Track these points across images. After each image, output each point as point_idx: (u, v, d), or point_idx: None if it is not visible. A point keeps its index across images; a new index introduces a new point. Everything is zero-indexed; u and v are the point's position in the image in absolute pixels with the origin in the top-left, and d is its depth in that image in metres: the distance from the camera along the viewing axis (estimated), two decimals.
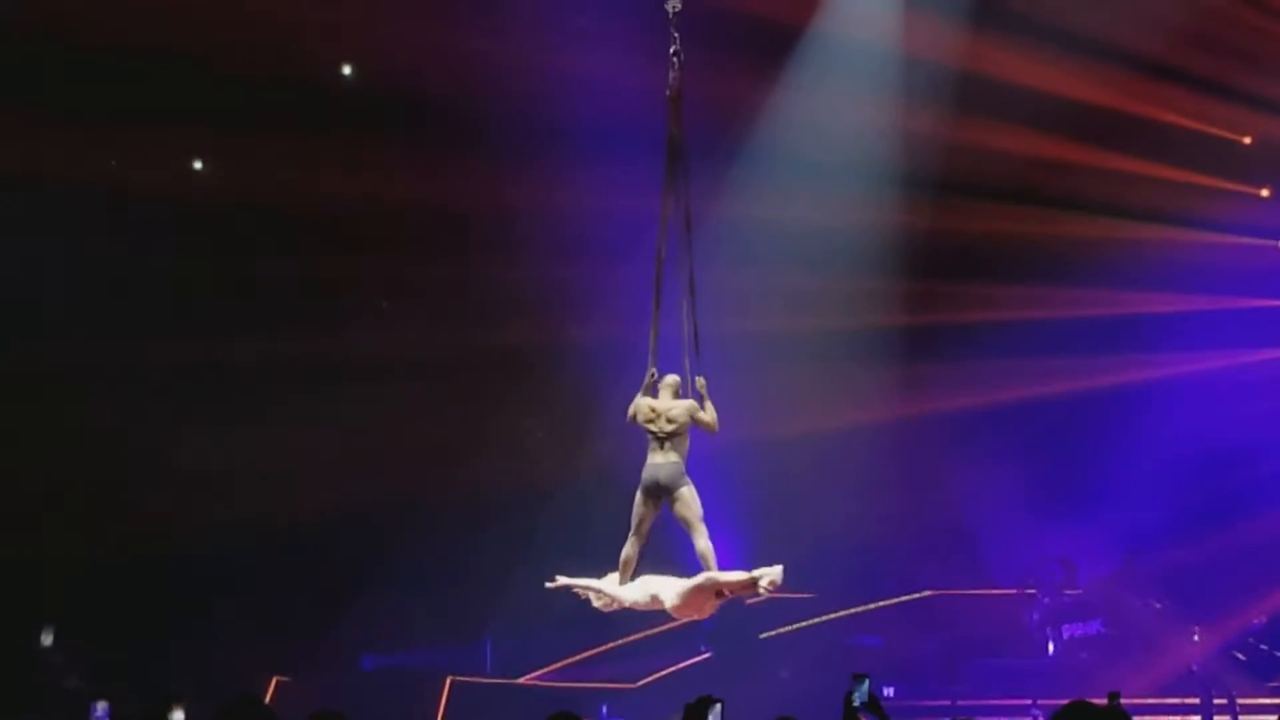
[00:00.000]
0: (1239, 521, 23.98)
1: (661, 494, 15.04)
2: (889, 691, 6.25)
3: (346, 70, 22.89)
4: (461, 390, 23.50)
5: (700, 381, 15.50)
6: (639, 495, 15.18)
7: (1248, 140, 24.66)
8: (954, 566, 24.99)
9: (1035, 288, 24.43)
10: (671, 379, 15.46)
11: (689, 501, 15.07)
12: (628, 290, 18.48)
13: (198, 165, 23.13)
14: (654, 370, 15.44)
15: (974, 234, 23.86)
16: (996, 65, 22.38)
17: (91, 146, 21.42)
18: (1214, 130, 24.13)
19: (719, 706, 7.23)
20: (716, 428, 15.30)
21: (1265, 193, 25.07)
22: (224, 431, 22.47)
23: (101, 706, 11.72)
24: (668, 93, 15.70)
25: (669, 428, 15.33)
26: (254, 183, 22.02)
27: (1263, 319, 24.78)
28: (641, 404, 15.24)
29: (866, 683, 7.25)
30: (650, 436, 15.27)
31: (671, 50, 15.70)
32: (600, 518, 19.42)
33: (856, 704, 7.18)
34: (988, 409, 24.37)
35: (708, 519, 15.52)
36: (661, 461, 15.17)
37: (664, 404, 15.24)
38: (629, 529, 15.01)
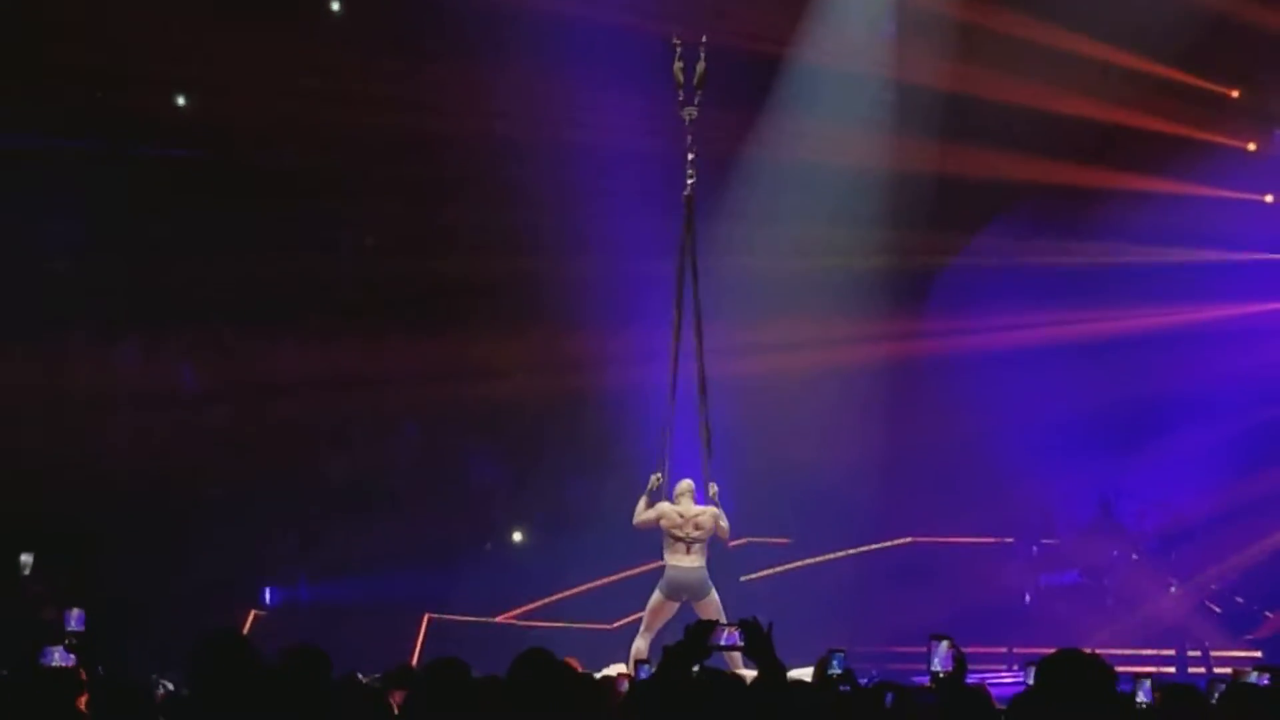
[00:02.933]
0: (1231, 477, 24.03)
1: (685, 597, 15.35)
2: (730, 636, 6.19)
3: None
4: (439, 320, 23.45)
5: (714, 489, 15.78)
6: (659, 596, 15.52)
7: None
8: (935, 513, 24.97)
9: (1026, 232, 24.40)
10: (687, 484, 15.85)
11: (713, 606, 15.41)
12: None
13: None
14: (660, 475, 15.68)
15: (973, 177, 23.80)
16: None
17: None
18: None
19: (728, 630, 7.16)
20: (729, 537, 15.72)
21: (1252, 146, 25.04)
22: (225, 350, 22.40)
23: (76, 614, 11.64)
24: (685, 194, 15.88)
25: (696, 534, 15.63)
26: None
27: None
28: (669, 511, 15.61)
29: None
30: (673, 540, 15.53)
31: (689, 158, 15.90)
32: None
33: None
34: (978, 353, 24.33)
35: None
36: (689, 567, 15.61)
37: (690, 510, 15.54)
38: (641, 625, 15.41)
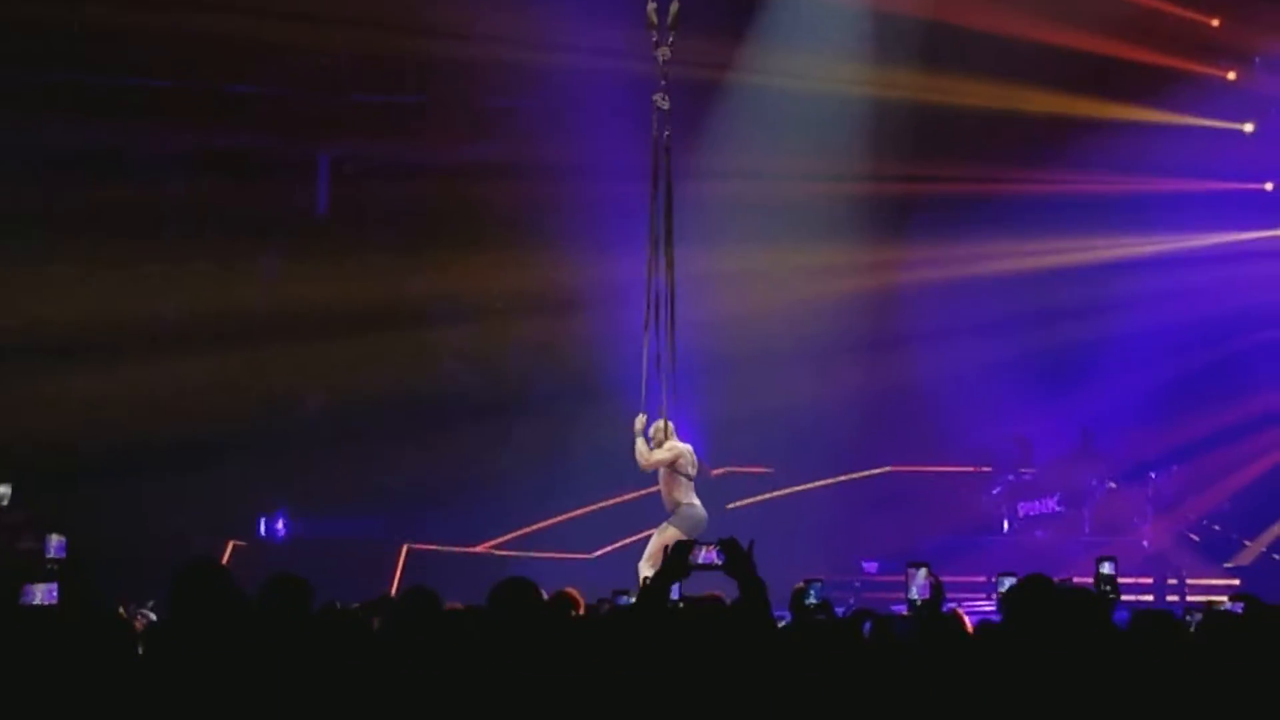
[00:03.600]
0: (1209, 404, 24.11)
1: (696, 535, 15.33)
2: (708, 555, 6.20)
3: None
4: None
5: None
6: (676, 532, 15.35)
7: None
8: (914, 443, 25.03)
9: (1005, 165, 24.37)
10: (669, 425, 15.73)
11: None
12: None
13: None
14: (644, 414, 15.62)
15: (946, 108, 23.75)
16: None
17: None
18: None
19: (705, 549, 7.17)
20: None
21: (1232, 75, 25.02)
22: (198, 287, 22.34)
23: (56, 540, 11.64)
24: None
25: (694, 470, 15.72)
26: None
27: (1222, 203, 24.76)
28: (687, 451, 15.50)
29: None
30: (686, 480, 15.53)
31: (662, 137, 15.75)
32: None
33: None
34: (954, 284, 24.34)
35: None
36: (700, 505, 15.61)
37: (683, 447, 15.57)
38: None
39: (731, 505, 22.54)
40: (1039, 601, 6.83)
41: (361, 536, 22.60)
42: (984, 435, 25.03)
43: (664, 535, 15.99)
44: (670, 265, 15.79)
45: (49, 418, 20.85)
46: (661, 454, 16.00)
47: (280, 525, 22.95)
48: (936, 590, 9.30)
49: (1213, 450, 24.36)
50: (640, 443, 16.04)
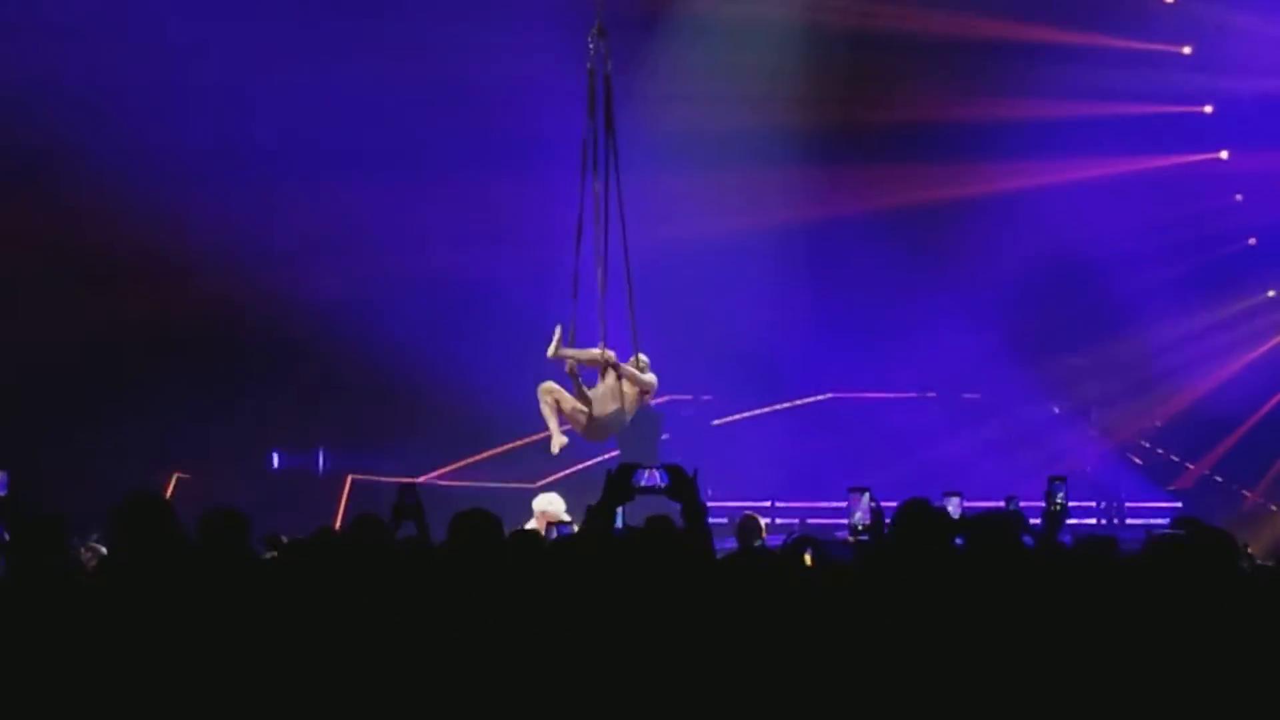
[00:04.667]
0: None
1: None
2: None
3: None
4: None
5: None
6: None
7: None
8: (856, 369, 25.09)
9: (944, 91, 24.36)
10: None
11: None
12: None
13: None
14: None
15: (885, 34, 23.73)
16: None
17: None
18: None
19: (649, 471, 7.18)
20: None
21: None
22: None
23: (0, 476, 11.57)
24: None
25: None
26: None
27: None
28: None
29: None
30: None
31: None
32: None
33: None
34: (893, 210, 24.37)
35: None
36: None
37: None
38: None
39: (666, 437, 22.62)
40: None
41: (304, 469, 22.57)
42: (927, 360, 25.09)
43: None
44: (606, 190, 15.62)
45: None
46: (650, 376, 15.97)
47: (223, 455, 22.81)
48: (878, 516, 9.32)
49: (1155, 373, 24.56)
50: (629, 364, 15.93)
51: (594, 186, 15.33)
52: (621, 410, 15.95)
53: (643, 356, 15.96)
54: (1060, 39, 24.05)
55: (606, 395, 15.86)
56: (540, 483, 22.46)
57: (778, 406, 25.22)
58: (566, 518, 13.12)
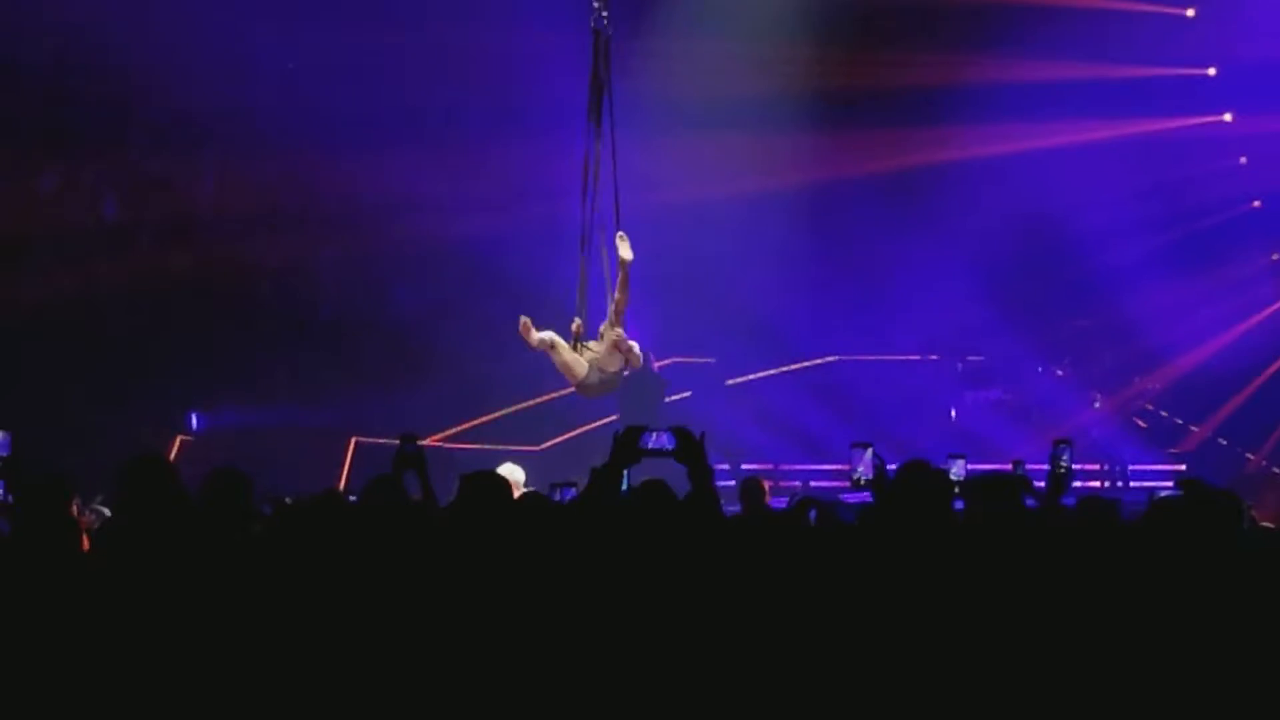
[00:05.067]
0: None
1: None
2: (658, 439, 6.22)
3: None
4: None
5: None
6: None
7: None
8: (860, 332, 25.06)
9: (947, 54, 24.29)
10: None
11: None
12: None
13: None
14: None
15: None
16: None
17: None
18: None
19: (656, 434, 7.19)
20: None
21: None
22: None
23: (1, 437, 11.55)
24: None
25: None
26: None
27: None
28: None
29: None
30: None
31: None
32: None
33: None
34: (900, 174, 24.34)
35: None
36: None
37: None
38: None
39: (670, 399, 22.60)
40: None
41: (310, 427, 22.54)
42: (931, 323, 25.08)
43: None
44: (614, 153, 15.55)
45: None
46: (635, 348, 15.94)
47: (227, 417, 22.80)
48: (880, 470, 9.32)
49: (1160, 335, 24.57)
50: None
51: (594, 148, 15.29)
52: (613, 376, 15.95)
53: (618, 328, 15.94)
54: (1064, 1, 24.01)
55: (603, 358, 15.85)
56: (544, 445, 22.53)
57: (782, 369, 25.20)
58: (526, 489, 13.16)
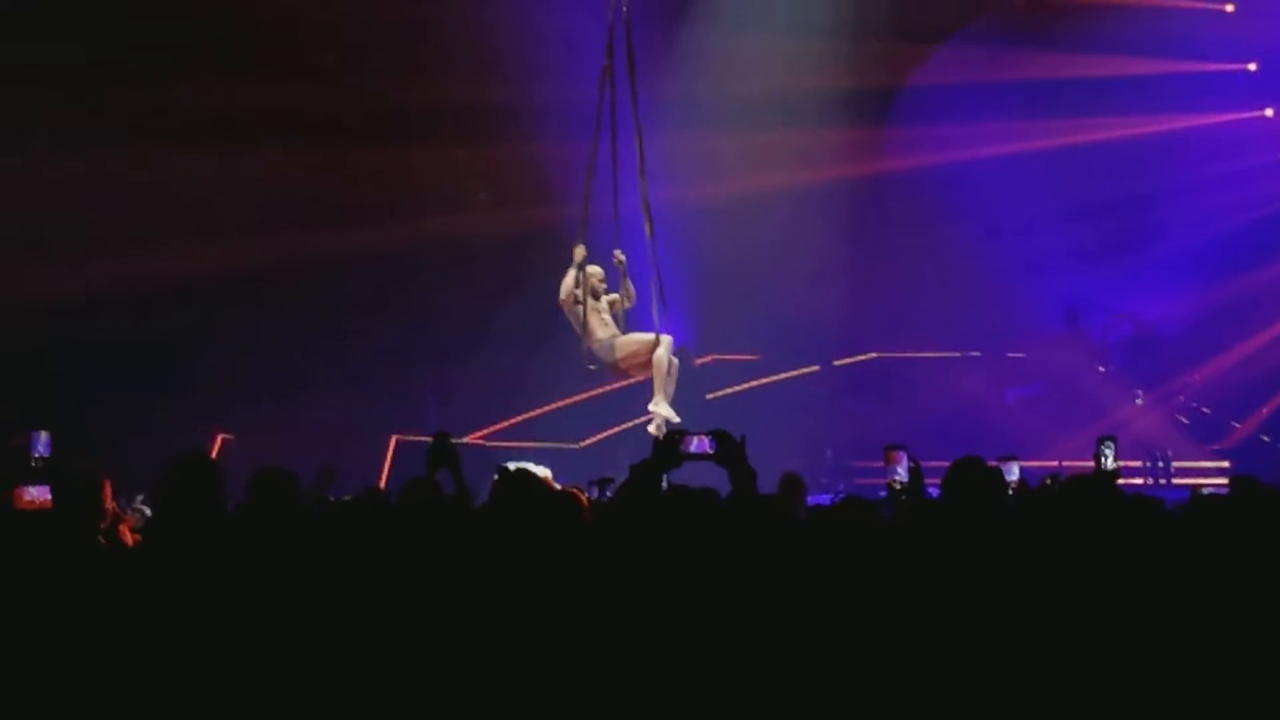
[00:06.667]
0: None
1: None
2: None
3: None
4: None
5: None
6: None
7: None
8: (900, 328, 25.02)
9: (991, 44, 24.23)
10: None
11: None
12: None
13: None
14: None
15: None
16: None
17: None
18: None
19: (697, 438, 7.17)
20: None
21: None
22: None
23: (44, 437, 11.62)
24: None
25: None
26: None
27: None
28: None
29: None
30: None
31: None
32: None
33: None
34: (943, 167, 24.32)
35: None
36: None
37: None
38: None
39: (711, 396, 22.60)
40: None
41: (347, 427, 22.55)
42: (971, 319, 25.04)
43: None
44: (640, 154, 15.59)
45: (32, 314, 20.76)
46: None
47: (269, 414, 22.76)
48: (916, 474, 9.29)
49: (1203, 332, 24.49)
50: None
51: (610, 142, 15.38)
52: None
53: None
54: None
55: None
56: (584, 443, 22.53)
57: (822, 367, 25.18)
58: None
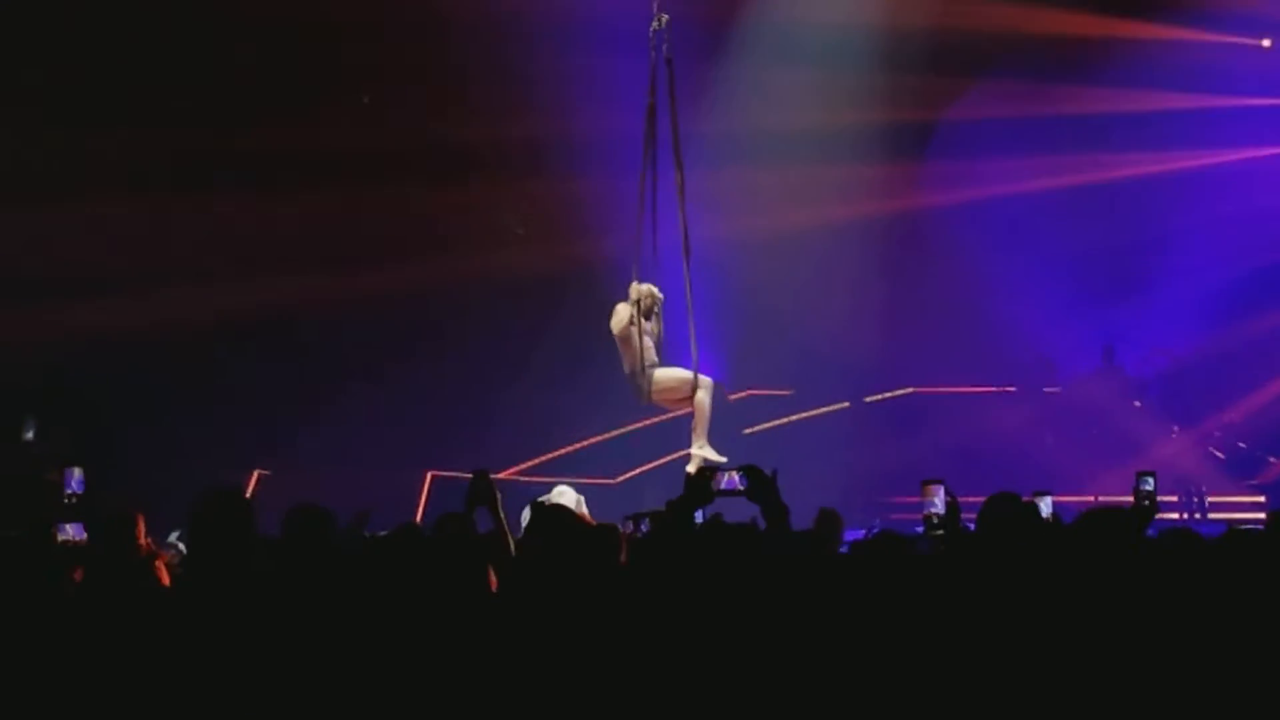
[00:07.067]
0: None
1: None
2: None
3: None
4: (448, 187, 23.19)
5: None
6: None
7: None
8: (935, 364, 24.97)
9: (1024, 82, 24.19)
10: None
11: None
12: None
13: None
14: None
15: (970, 27, 23.58)
16: None
17: None
18: None
19: (728, 475, 7.18)
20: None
21: None
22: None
23: (77, 474, 11.65)
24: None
25: None
26: None
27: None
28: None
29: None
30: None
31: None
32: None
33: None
34: (977, 203, 24.29)
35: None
36: None
37: None
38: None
39: (748, 431, 22.56)
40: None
41: (382, 463, 22.56)
42: (1007, 355, 24.98)
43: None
44: (681, 189, 15.68)
45: (65, 350, 20.84)
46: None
47: (303, 451, 22.73)
48: (953, 508, 9.27)
49: (1238, 366, 24.39)
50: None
51: (651, 177, 15.52)
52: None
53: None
54: (1141, 33, 23.93)
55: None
56: (620, 479, 22.50)
57: (853, 403, 25.14)
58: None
